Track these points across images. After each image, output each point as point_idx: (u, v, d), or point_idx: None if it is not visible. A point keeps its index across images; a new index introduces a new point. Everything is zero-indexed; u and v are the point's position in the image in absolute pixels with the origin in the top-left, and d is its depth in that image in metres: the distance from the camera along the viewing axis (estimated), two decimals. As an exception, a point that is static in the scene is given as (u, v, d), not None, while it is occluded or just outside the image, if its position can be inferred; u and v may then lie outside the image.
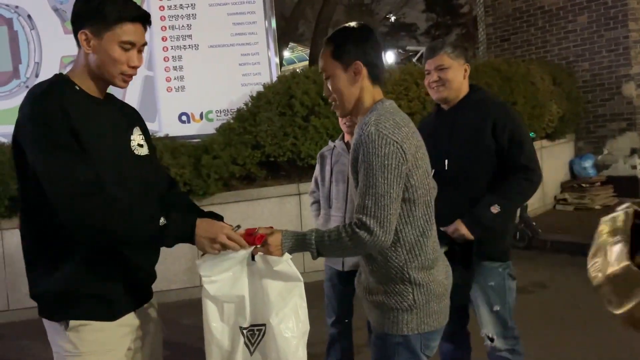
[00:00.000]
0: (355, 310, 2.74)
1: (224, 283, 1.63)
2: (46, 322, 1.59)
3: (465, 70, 2.31)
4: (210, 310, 1.65)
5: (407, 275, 1.58)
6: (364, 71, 1.63)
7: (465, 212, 2.18)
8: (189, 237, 1.52)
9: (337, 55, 1.65)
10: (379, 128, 1.52)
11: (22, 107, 1.50)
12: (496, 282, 2.26)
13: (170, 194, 1.82)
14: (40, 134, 1.44)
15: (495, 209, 2.16)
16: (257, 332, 1.66)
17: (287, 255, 1.62)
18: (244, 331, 1.66)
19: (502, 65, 6.41)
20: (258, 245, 1.58)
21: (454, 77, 2.28)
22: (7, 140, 5.10)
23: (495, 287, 2.26)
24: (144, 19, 1.59)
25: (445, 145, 2.25)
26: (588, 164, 7.32)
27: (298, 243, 1.59)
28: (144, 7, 5.61)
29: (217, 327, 1.65)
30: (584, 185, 7.06)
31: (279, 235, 1.59)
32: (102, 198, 1.44)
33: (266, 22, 5.83)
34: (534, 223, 5.54)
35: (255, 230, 1.60)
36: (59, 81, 1.56)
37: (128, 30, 1.55)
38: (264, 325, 1.65)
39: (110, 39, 1.53)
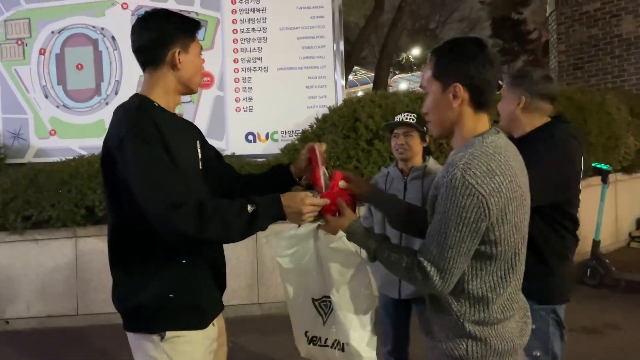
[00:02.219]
0: (413, 337, 2.68)
1: (293, 257, 1.78)
2: (134, 336, 1.63)
3: (519, 103, 2.17)
4: (287, 282, 1.81)
5: (464, 327, 1.45)
6: (465, 95, 1.45)
7: None
8: (280, 216, 1.59)
9: (436, 73, 1.49)
10: (466, 174, 1.34)
11: (118, 125, 1.58)
12: (537, 326, 2.06)
13: (236, 180, 1.94)
14: (138, 149, 1.51)
15: None
16: (329, 304, 1.79)
17: (340, 233, 1.67)
18: (316, 302, 1.81)
19: (576, 94, 6.18)
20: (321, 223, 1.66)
21: (502, 108, 2.23)
22: (87, 152, 5.42)
23: (536, 330, 2.09)
24: (195, 24, 1.76)
25: None
26: (667, 200, 6.89)
27: (359, 239, 1.59)
28: (218, 31, 5.87)
29: (296, 297, 1.83)
30: (662, 222, 6.63)
31: (346, 222, 1.61)
32: (194, 207, 1.49)
33: (334, 45, 5.92)
34: (607, 260, 5.25)
35: (335, 177, 1.70)
36: (144, 100, 1.65)
37: (198, 39, 1.72)
38: (330, 297, 1.77)
39: (194, 50, 1.69)
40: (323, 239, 1.74)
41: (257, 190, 1.71)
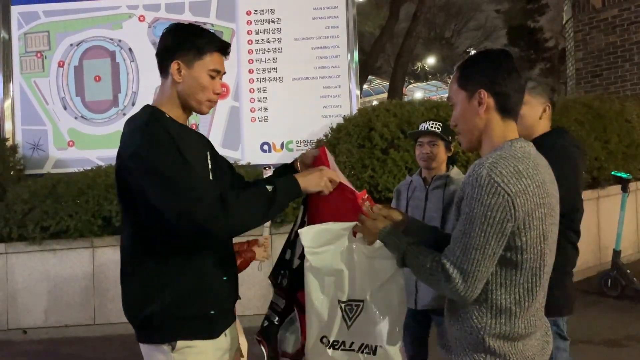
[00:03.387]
0: (431, 350, 2.64)
1: (325, 255, 1.70)
2: (146, 347, 1.64)
3: (544, 110, 2.25)
4: (311, 281, 1.72)
5: (484, 341, 1.39)
6: (490, 102, 1.44)
7: None
8: (297, 191, 1.67)
9: (461, 82, 1.50)
10: (492, 173, 1.32)
11: (131, 137, 1.60)
12: None
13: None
14: (157, 157, 1.52)
15: None
16: (355, 308, 1.71)
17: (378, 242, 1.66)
18: (342, 305, 1.72)
19: (594, 102, 6.10)
20: (358, 224, 1.66)
21: (527, 114, 2.23)
22: (104, 163, 5.48)
23: None
24: (227, 49, 1.73)
25: None
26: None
27: (391, 242, 1.57)
28: (233, 41, 5.92)
29: (318, 298, 1.72)
30: (685, 232, 6.47)
31: (381, 223, 1.60)
32: (217, 197, 1.51)
33: (349, 55, 5.93)
34: (628, 271, 5.13)
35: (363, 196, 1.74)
36: (155, 111, 1.67)
37: (215, 60, 1.68)
38: (362, 301, 1.70)
39: (200, 67, 1.66)
40: (359, 241, 1.71)
41: None
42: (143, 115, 1.65)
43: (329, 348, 1.75)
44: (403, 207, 2.74)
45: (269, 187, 1.59)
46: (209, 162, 1.78)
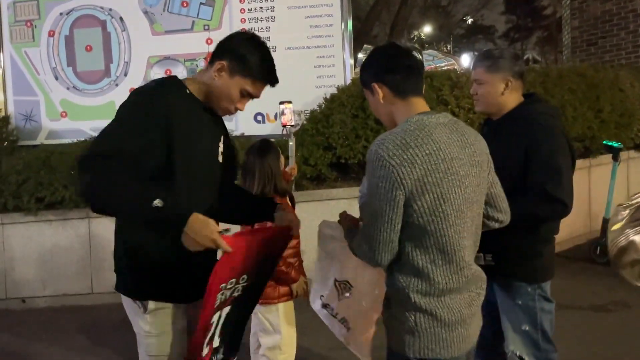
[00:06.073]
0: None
1: (335, 245, 1.98)
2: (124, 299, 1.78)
3: (507, 84, 2.15)
4: (322, 248, 2.07)
5: (410, 298, 1.52)
6: (385, 90, 1.61)
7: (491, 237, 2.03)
8: (178, 227, 1.45)
9: (362, 82, 1.68)
10: (379, 148, 1.47)
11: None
12: (524, 301, 2.16)
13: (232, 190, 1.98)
14: (123, 108, 1.61)
15: None
16: (349, 287, 2.00)
17: None
18: (337, 282, 2.03)
19: (588, 71, 6.09)
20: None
21: (488, 92, 2.18)
22: (96, 134, 5.46)
23: (523, 306, 2.16)
24: (273, 83, 1.75)
25: None
26: (680, 177, 6.80)
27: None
28: (226, 10, 5.84)
29: (323, 266, 2.08)
30: (674, 200, 6.55)
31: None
32: (110, 166, 1.48)
33: (342, 24, 5.87)
34: (617, 238, 5.22)
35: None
36: (173, 81, 1.72)
37: (256, 86, 1.71)
38: (351, 286, 1.99)
39: (238, 82, 1.69)
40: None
41: (241, 206, 1.90)
42: (156, 80, 1.72)
43: (322, 307, 2.08)
44: None
45: (156, 203, 1.43)
46: (221, 144, 1.83)
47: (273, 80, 1.75)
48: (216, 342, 1.67)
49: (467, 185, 1.53)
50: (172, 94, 1.65)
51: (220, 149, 1.81)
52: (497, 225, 1.72)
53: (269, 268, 1.88)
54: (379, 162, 1.46)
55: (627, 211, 2.58)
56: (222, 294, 1.56)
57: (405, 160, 1.45)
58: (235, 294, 1.65)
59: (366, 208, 1.53)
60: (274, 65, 1.75)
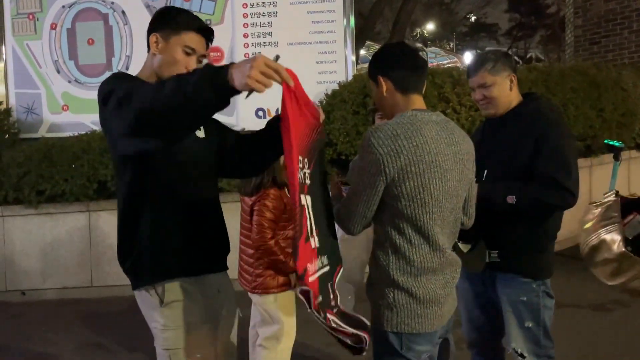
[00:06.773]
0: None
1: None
2: (139, 295, 1.77)
3: (511, 81, 2.19)
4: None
5: (389, 275, 1.67)
6: (389, 84, 1.73)
7: (497, 233, 2.15)
8: (219, 75, 1.36)
9: (370, 76, 1.80)
10: (372, 136, 1.61)
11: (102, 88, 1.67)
12: (528, 298, 2.16)
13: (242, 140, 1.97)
14: (112, 82, 1.64)
15: (510, 199, 2.06)
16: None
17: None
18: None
19: (590, 70, 6.07)
20: None
21: (500, 92, 2.19)
22: (98, 128, 5.47)
23: (528, 303, 2.16)
24: (207, 33, 1.79)
25: (483, 158, 2.08)
26: (682, 178, 6.78)
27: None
28: (228, 5, 5.83)
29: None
30: (675, 200, 6.53)
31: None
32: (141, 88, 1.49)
33: (345, 20, 5.86)
34: (617, 238, 5.22)
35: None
36: (127, 76, 1.78)
37: (192, 38, 1.75)
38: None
39: (175, 42, 1.74)
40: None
41: (260, 144, 1.86)
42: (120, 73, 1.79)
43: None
44: None
45: (194, 76, 1.38)
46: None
47: (202, 25, 1.77)
48: (314, 241, 1.55)
49: (448, 179, 1.66)
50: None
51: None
52: (459, 227, 1.82)
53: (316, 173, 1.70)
54: (369, 148, 1.61)
55: (599, 210, 2.58)
56: (300, 170, 1.50)
57: (392, 150, 1.59)
58: (307, 182, 1.57)
59: (352, 182, 1.72)
60: (195, 15, 1.81)
